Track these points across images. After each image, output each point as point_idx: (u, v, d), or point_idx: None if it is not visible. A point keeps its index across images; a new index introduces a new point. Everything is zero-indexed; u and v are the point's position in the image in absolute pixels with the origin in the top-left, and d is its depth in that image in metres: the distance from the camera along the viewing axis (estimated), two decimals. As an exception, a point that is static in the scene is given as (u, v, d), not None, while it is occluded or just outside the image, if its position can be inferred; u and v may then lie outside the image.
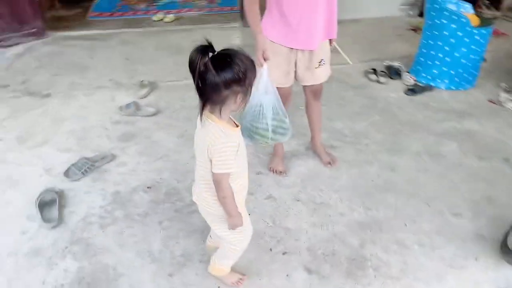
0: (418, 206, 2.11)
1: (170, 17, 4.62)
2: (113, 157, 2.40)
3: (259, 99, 1.67)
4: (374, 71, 3.53)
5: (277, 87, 1.96)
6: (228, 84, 1.14)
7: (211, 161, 1.26)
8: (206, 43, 1.12)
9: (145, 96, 3.07)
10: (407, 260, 1.81)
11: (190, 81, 1.18)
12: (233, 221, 1.38)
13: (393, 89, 3.32)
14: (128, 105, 2.84)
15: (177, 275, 1.71)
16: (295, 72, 2.02)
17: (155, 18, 4.61)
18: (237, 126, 1.33)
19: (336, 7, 1.90)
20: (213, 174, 1.27)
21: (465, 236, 1.93)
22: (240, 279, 1.67)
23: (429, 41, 3.30)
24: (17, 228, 1.91)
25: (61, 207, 2.02)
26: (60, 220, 1.95)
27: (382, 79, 3.42)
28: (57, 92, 3.13)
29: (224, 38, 4.16)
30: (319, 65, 1.99)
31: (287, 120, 1.74)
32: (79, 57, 3.74)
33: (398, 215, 2.05)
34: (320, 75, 2.07)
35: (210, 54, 1.12)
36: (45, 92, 3.12)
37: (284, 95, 2.06)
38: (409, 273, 1.75)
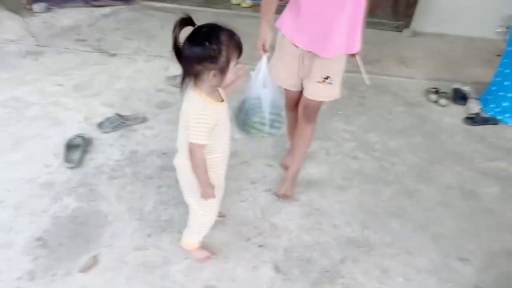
0: (422, 240, 1.94)
1: (247, 2, 4.72)
2: (144, 119, 2.58)
3: (257, 92, 1.59)
4: (437, 91, 3.25)
5: (284, 89, 1.88)
6: (198, 60, 1.17)
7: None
8: (185, 16, 1.16)
9: (194, 72, 3.22)
10: (384, 290, 1.69)
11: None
12: (204, 190, 1.42)
13: (451, 114, 3.03)
14: (174, 77, 3.01)
15: (154, 237, 1.81)
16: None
17: (233, 1, 4.75)
18: (222, 101, 1.35)
19: (362, 16, 1.60)
20: (189, 143, 1.31)
21: (463, 285, 1.73)
22: (208, 257, 1.71)
23: (506, 70, 2.93)
24: (43, 161, 2.18)
25: (84, 153, 2.25)
26: (79, 163, 2.18)
27: (442, 101, 3.13)
28: (122, 54, 3.43)
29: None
30: (324, 81, 1.71)
31: (283, 113, 1.69)
32: (153, 26, 4.03)
33: (395, 243, 1.91)
34: (317, 91, 1.75)
35: (188, 28, 1.16)
36: (113, 52, 3.44)
37: (291, 99, 1.94)
38: (381, 303, 1.63)
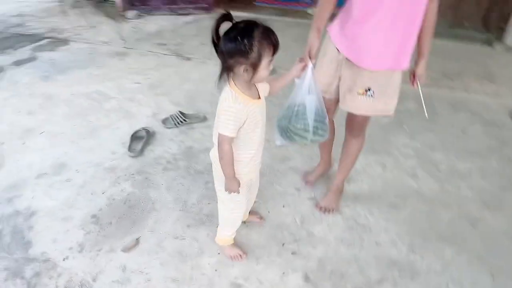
0: (478, 273, 1.72)
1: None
2: (204, 119, 2.71)
3: (302, 98, 1.55)
4: (526, 113, 2.88)
5: None
6: (231, 54, 1.20)
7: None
8: (225, 13, 1.20)
9: (259, 77, 3.30)
10: (423, 320, 1.53)
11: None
12: (227, 183, 1.44)
13: (541, 140, 2.66)
14: (239, 81, 3.13)
15: (193, 228, 1.88)
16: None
17: (309, 11, 4.77)
18: (259, 98, 1.36)
19: (417, 29, 1.47)
20: (218, 134, 1.34)
21: (520, 332, 1.50)
22: (239, 255, 1.73)
23: None
24: (111, 148, 2.41)
25: (146, 144, 2.44)
26: (140, 153, 2.37)
27: (531, 124, 2.77)
28: (196, 58, 3.66)
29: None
30: (364, 93, 1.61)
31: (326, 121, 1.63)
32: (229, 33, 4.23)
33: (445, 272, 1.72)
34: (360, 105, 1.65)
35: (227, 24, 1.20)
36: (188, 56, 3.70)
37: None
38: (416, 334, 1.48)
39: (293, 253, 1.79)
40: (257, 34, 1.19)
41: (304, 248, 1.81)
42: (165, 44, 3.92)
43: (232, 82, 1.31)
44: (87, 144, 2.45)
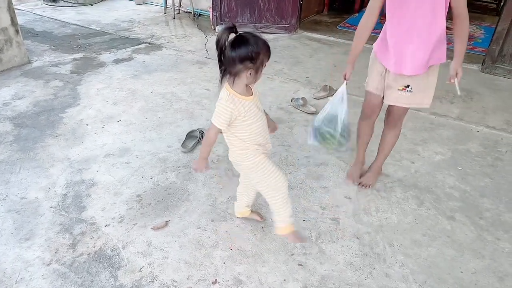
0: (491, 331, 1.60)
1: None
2: (255, 129, 2.91)
3: (336, 109, 2.08)
4: None
5: (368, 91, 2.15)
6: (241, 60, 1.41)
7: None
8: (231, 25, 1.41)
9: (319, 98, 3.41)
10: None
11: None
12: (198, 161, 1.70)
13: None
14: (297, 99, 3.27)
15: (215, 223, 2.07)
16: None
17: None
18: (251, 95, 1.56)
19: (439, 35, 1.81)
20: (211, 122, 1.58)
21: None
22: (303, 238, 1.93)
23: None
24: (168, 142, 2.75)
25: (198, 143, 2.72)
26: (191, 150, 2.65)
27: None
28: (265, 74, 3.89)
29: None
30: (404, 89, 1.99)
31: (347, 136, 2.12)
32: (302, 53, 4.42)
33: (452, 319, 1.64)
34: (399, 98, 2.03)
35: (233, 35, 1.42)
36: (259, 70, 3.95)
37: (369, 104, 2.18)
38: None
39: (299, 264, 1.87)
40: (261, 43, 1.41)
41: (311, 263, 1.88)
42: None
43: (227, 85, 1.52)
44: (150, 136, 2.82)
